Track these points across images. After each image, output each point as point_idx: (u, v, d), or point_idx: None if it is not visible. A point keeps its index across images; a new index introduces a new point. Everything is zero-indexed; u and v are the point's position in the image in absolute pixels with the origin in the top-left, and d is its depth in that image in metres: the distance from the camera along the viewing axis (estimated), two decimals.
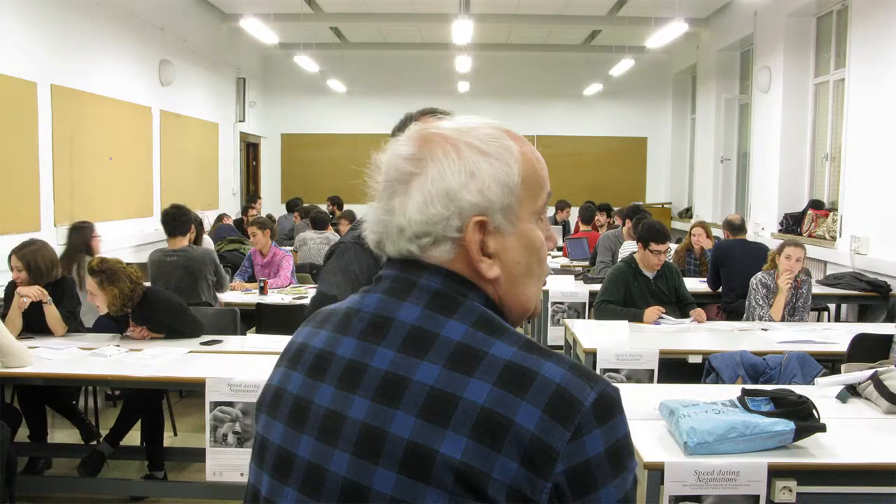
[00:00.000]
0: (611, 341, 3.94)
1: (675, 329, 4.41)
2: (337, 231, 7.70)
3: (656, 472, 2.28)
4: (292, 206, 10.40)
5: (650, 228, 4.69)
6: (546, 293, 5.75)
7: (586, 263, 7.58)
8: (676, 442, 2.38)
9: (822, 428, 2.36)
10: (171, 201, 6.82)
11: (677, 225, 11.65)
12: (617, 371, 3.74)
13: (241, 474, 3.17)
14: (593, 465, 0.81)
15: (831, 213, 7.14)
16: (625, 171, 13.39)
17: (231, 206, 11.11)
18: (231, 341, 4.02)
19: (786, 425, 2.33)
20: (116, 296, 3.85)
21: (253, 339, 4.15)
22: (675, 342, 4.10)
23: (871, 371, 2.94)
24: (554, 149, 13.28)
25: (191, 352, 3.77)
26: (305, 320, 1.02)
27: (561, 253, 8.41)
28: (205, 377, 3.23)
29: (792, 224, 7.78)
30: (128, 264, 4.03)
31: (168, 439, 4.56)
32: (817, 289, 5.92)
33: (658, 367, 3.74)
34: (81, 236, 5.04)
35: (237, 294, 5.58)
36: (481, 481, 0.79)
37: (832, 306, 6.37)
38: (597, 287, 5.83)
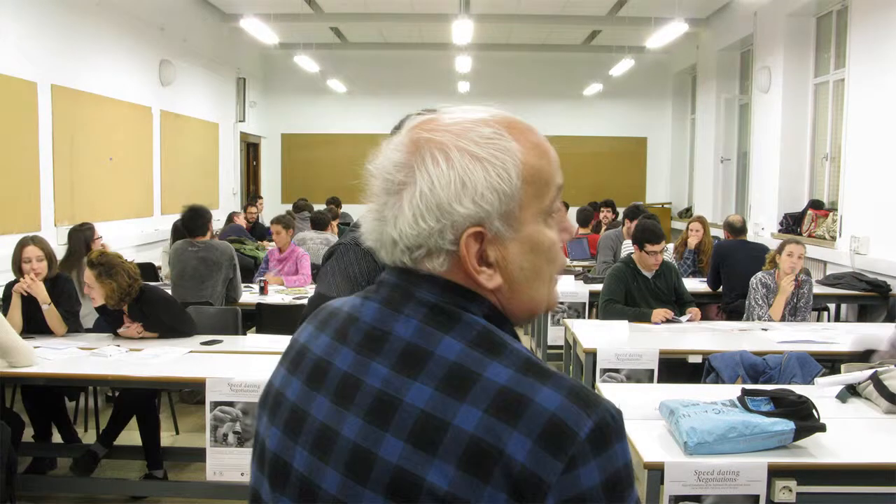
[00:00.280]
0: (611, 341, 3.94)
1: (674, 329, 4.41)
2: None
3: (656, 472, 2.28)
4: (299, 207, 10.29)
5: (643, 230, 4.71)
6: None
7: (586, 263, 7.58)
8: (676, 442, 2.38)
9: (822, 428, 2.36)
10: (172, 201, 6.83)
11: (677, 225, 11.65)
12: (617, 371, 3.75)
13: (242, 474, 3.18)
14: (588, 498, 0.77)
15: (831, 213, 7.14)
16: (625, 171, 13.39)
17: (231, 206, 11.11)
18: (231, 341, 4.02)
19: (786, 425, 2.34)
20: (114, 289, 3.86)
21: (253, 339, 4.15)
22: (675, 342, 4.10)
23: (871, 371, 2.94)
24: (554, 149, 13.25)
25: (191, 352, 3.78)
26: (309, 317, 1.00)
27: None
28: (205, 377, 3.24)
29: (792, 224, 7.78)
30: (128, 261, 4.04)
31: (169, 439, 4.56)
32: (817, 289, 5.93)
33: (658, 367, 3.74)
34: (82, 238, 5.05)
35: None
36: None
37: (832, 306, 6.38)
38: (597, 287, 5.83)
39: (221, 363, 3.52)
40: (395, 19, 10.79)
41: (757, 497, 2.25)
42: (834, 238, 6.84)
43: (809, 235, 7.34)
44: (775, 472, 2.26)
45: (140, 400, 3.85)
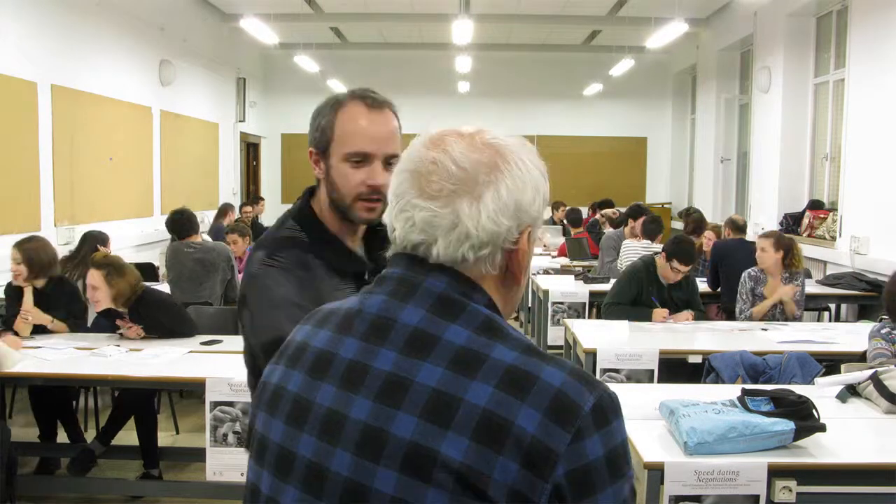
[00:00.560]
0: (611, 341, 3.94)
1: (674, 329, 4.41)
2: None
3: (656, 472, 2.28)
4: None
5: (679, 247, 4.58)
6: (546, 293, 5.75)
7: (586, 263, 7.58)
8: (676, 442, 2.38)
9: (822, 428, 2.36)
10: (172, 201, 6.82)
11: (677, 225, 11.64)
12: (617, 371, 3.75)
13: (241, 474, 3.17)
14: (592, 469, 0.82)
15: (831, 214, 7.14)
16: (625, 171, 13.39)
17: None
18: (231, 341, 4.02)
19: (786, 425, 2.33)
20: (124, 289, 3.85)
21: None
22: (675, 342, 4.10)
23: (871, 371, 2.94)
24: (554, 149, 13.27)
25: (191, 352, 3.77)
26: (304, 318, 1.01)
27: (558, 253, 8.40)
28: (205, 377, 3.24)
29: (792, 224, 7.78)
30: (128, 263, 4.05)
31: (169, 439, 4.56)
32: (818, 289, 5.94)
33: (658, 367, 3.74)
34: (92, 245, 5.05)
35: None
36: (482, 482, 0.79)
37: (832, 306, 6.38)
38: (597, 287, 5.84)
39: (221, 363, 3.51)
40: (395, 19, 10.79)
41: (757, 497, 2.25)
42: (834, 238, 6.84)
43: (809, 235, 7.34)
44: (775, 472, 2.26)
45: (139, 400, 3.85)
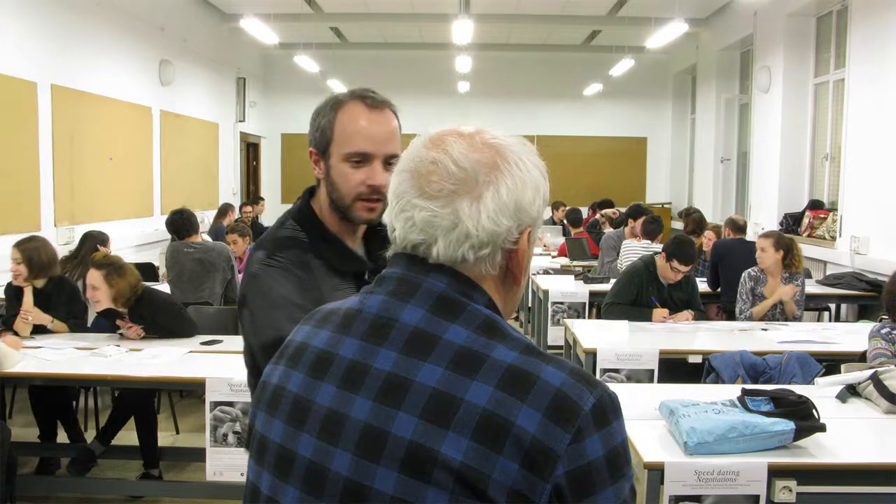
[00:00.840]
0: (611, 341, 3.94)
1: (674, 329, 4.41)
2: None
3: (656, 472, 2.28)
4: None
5: (679, 247, 4.56)
6: (546, 293, 5.75)
7: (586, 263, 7.58)
8: (676, 442, 2.38)
9: (822, 428, 2.36)
10: (172, 201, 6.82)
11: (677, 225, 11.64)
12: (617, 371, 3.75)
13: (241, 474, 3.17)
14: (592, 469, 0.82)
15: (831, 214, 7.14)
16: (625, 171, 13.39)
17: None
18: (231, 341, 4.02)
19: (786, 425, 2.33)
20: (124, 289, 3.85)
21: None
22: (675, 342, 4.10)
23: (871, 371, 2.94)
24: (554, 149, 13.27)
25: (191, 352, 3.77)
26: (304, 318, 1.01)
27: (558, 253, 8.41)
28: (205, 377, 3.24)
29: (792, 224, 7.78)
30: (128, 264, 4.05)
31: (169, 438, 4.56)
32: (818, 289, 5.94)
33: (658, 367, 3.74)
34: (94, 243, 5.06)
35: None
36: (482, 482, 0.79)
37: (832, 306, 6.38)
38: (597, 287, 5.84)
39: (221, 363, 3.51)
40: (395, 19, 10.79)
41: (757, 497, 2.25)
42: (834, 238, 6.84)
43: (809, 235, 7.34)
44: (775, 472, 2.26)
45: (139, 400, 3.85)
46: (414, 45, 12.61)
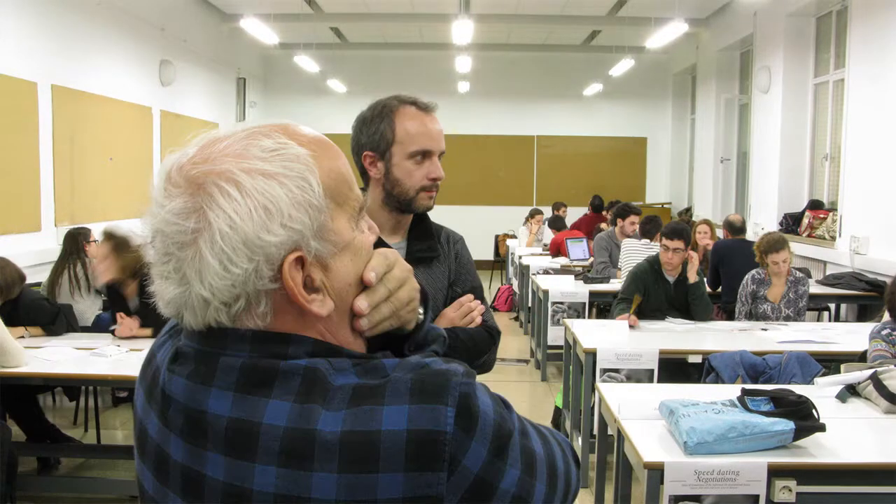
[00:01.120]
0: (611, 341, 3.94)
1: (674, 329, 4.41)
2: None
3: (656, 472, 2.28)
4: None
5: (664, 226, 4.89)
6: (546, 293, 5.76)
7: (587, 264, 7.58)
8: (676, 442, 2.38)
9: (822, 428, 2.36)
10: None
11: None
12: (617, 371, 3.75)
13: None
14: (483, 475, 0.72)
15: (831, 214, 7.14)
16: (625, 171, 13.39)
17: None
18: None
19: (785, 425, 2.34)
20: (131, 261, 3.86)
21: None
22: (675, 342, 4.10)
23: (871, 371, 2.94)
24: (554, 149, 13.29)
25: None
26: (139, 374, 0.88)
27: (560, 253, 8.41)
28: None
29: (792, 224, 7.79)
30: None
31: None
32: (818, 289, 5.94)
33: (658, 367, 3.74)
34: (75, 242, 5.05)
35: None
36: None
37: (832, 306, 6.38)
38: (597, 287, 5.85)
39: None
40: (395, 19, 10.79)
41: (757, 497, 2.25)
42: (834, 238, 6.84)
43: (809, 235, 7.35)
44: (775, 472, 2.26)
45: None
46: (414, 45, 12.61)
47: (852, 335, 4.10)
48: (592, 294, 5.70)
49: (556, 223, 9.37)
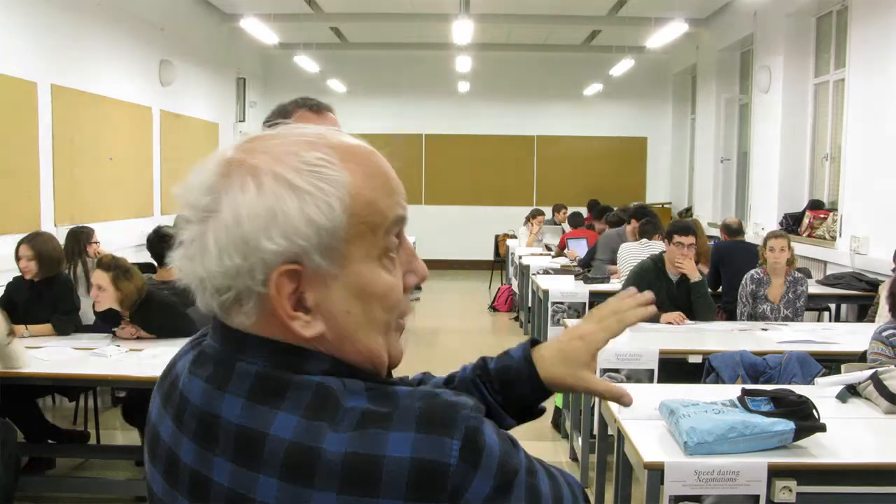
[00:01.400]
0: (611, 341, 3.93)
1: (674, 329, 4.41)
2: None
3: (656, 472, 2.28)
4: None
5: (671, 224, 4.91)
6: (546, 293, 5.76)
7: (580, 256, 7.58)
8: (676, 442, 2.38)
9: (822, 428, 2.36)
10: (172, 201, 6.76)
11: None
12: (617, 371, 3.75)
13: None
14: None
15: (831, 214, 7.14)
16: (625, 171, 13.39)
17: None
18: None
19: (786, 425, 2.34)
20: (132, 292, 3.84)
21: None
22: (675, 342, 4.10)
23: (871, 371, 2.94)
24: (554, 149, 13.29)
25: None
26: (158, 382, 0.88)
27: (563, 253, 8.41)
28: None
29: (792, 224, 7.79)
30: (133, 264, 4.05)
31: None
32: (818, 289, 5.94)
33: (658, 367, 3.74)
34: (77, 242, 5.06)
35: None
36: None
37: (832, 306, 6.38)
38: (597, 287, 5.85)
39: None
40: (395, 19, 10.79)
41: (757, 497, 2.25)
42: (834, 238, 6.84)
43: (809, 235, 7.35)
44: (775, 472, 2.26)
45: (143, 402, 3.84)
46: (414, 45, 12.61)
47: (852, 335, 4.10)
48: (592, 294, 5.69)
49: (575, 220, 9.48)
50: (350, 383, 0.75)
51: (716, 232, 7.59)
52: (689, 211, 11.96)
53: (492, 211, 13.06)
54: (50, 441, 4.21)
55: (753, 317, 4.80)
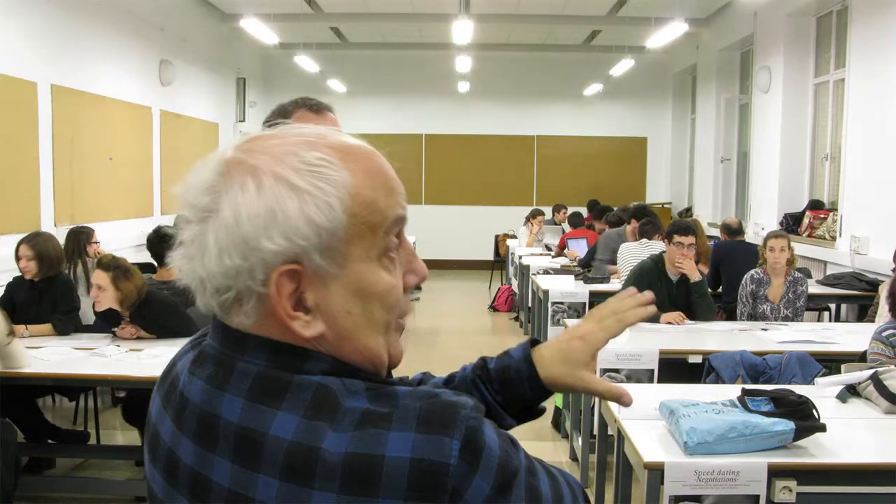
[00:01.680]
0: (611, 341, 3.93)
1: (674, 329, 4.41)
2: None
3: (656, 472, 2.28)
4: None
5: (670, 224, 4.90)
6: (546, 293, 5.75)
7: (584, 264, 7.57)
8: (676, 442, 2.38)
9: (822, 428, 2.36)
10: (172, 201, 6.78)
11: None
12: (617, 371, 3.74)
13: None
14: None
15: (831, 214, 7.14)
16: (625, 171, 13.39)
17: None
18: None
19: (786, 425, 2.34)
20: (132, 292, 3.84)
21: None
22: (675, 342, 4.10)
23: (871, 371, 2.94)
24: (554, 149, 13.29)
25: None
26: (158, 382, 0.88)
27: (563, 253, 8.41)
28: None
29: (792, 224, 7.79)
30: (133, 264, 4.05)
31: None
32: (818, 289, 5.94)
33: (658, 367, 3.74)
34: (77, 241, 5.05)
35: None
36: None
37: (832, 306, 6.38)
38: (597, 287, 5.84)
39: None
40: (395, 19, 10.79)
41: (757, 497, 2.25)
42: (834, 238, 6.84)
43: (809, 235, 7.35)
44: (775, 472, 2.26)
45: (142, 401, 3.85)
46: (414, 45, 12.61)
47: (852, 335, 4.10)
48: (592, 294, 5.69)
49: (575, 220, 9.49)
50: (350, 383, 0.75)
51: (716, 232, 7.60)
52: (689, 211, 11.96)
53: (492, 211, 13.06)
54: (50, 441, 4.21)
55: (753, 317, 4.79)
